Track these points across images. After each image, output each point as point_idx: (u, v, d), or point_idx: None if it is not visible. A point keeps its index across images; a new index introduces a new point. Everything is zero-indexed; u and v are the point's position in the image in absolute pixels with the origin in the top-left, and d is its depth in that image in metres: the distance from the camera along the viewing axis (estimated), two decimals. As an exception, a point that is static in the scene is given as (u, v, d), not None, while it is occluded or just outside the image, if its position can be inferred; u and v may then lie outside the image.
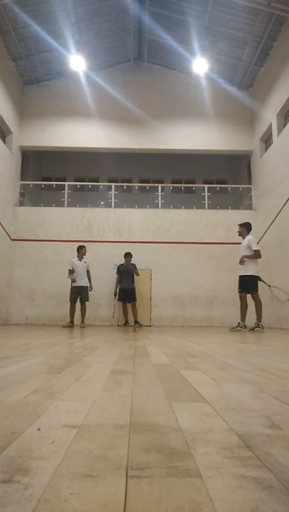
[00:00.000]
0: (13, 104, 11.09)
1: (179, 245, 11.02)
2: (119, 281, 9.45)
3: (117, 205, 11.60)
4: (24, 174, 12.23)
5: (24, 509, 0.51)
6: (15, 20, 9.57)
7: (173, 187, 13.55)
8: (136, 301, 9.40)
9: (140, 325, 9.30)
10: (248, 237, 6.93)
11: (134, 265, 9.53)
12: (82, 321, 8.23)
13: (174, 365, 2.04)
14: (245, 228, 7.06)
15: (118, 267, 9.59)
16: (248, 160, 12.34)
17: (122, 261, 9.80)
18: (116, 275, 9.62)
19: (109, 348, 3.13)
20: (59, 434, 0.82)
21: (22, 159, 12.02)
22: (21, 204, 11.60)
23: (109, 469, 0.64)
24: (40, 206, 11.56)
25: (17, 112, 11.46)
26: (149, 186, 12.41)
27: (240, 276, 6.90)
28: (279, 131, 9.96)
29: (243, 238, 7.01)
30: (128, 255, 9.55)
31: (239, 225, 7.21)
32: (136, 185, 13.43)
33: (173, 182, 14.05)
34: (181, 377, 1.63)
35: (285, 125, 9.71)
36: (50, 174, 13.84)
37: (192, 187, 13.15)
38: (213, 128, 11.76)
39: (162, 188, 12.00)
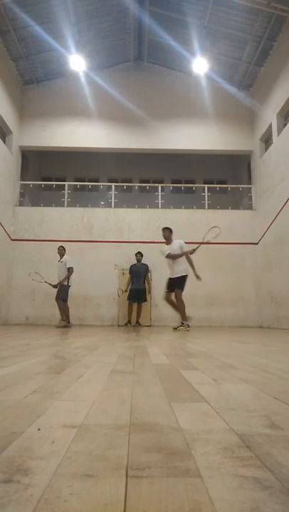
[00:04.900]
0: (13, 104, 11.09)
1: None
2: (131, 282, 9.41)
3: (117, 205, 11.60)
4: (24, 174, 12.23)
5: (24, 509, 0.51)
6: (15, 20, 9.57)
7: (173, 187, 13.55)
8: (146, 301, 9.39)
9: (140, 325, 9.30)
10: (179, 240, 7.00)
11: (146, 266, 9.47)
12: (61, 320, 8.00)
13: (174, 365, 2.04)
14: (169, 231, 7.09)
15: (130, 267, 9.55)
16: (248, 160, 12.34)
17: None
18: (128, 275, 9.59)
19: (109, 348, 3.13)
20: (59, 434, 0.82)
21: (22, 159, 12.02)
22: (21, 204, 11.59)
23: (109, 469, 0.64)
24: (40, 206, 11.57)
25: (17, 112, 11.46)
26: (149, 186, 12.41)
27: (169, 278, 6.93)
28: (279, 131, 9.96)
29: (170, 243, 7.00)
30: (139, 254, 9.51)
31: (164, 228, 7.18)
32: (136, 185, 13.43)
33: (173, 182, 14.04)
34: (181, 377, 1.63)
35: (285, 125, 9.71)
36: (50, 174, 13.84)
37: (192, 187, 13.15)
38: (213, 128, 11.76)
39: (162, 188, 12.00)
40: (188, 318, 6.84)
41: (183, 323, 6.72)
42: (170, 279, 6.90)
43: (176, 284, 6.76)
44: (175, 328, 6.80)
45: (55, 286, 8.09)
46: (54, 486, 0.57)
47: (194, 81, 11.93)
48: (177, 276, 6.75)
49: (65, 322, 7.97)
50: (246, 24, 9.72)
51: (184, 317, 6.74)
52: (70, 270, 8.03)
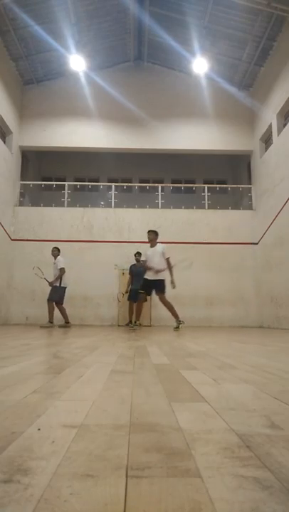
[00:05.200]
0: (13, 104, 11.09)
1: (179, 245, 11.01)
2: (131, 282, 9.42)
3: (117, 205, 11.59)
4: (24, 174, 12.23)
5: (24, 509, 0.51)
6: (15, 20, 9.57)
7: (173, 187, 13.55)
8: (146, 301, 9.38)
9: (140, 325, 9.29)
10: (162, 245, 7.15)
11: None
12: (48, 321, 7.95)
13: (174, 365, 2.04)
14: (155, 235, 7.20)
15: (130, 267, 9.55)
16: (248, 160, 12.34)
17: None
18: (129, 275, 9.59)
19: (109, 348, 3.13)
20: (59, 434, 0.82)
21: (22, 159, 12.02)
22: (21, 204, 11.59)
23: (109, 469, 0.64)
24: (40, 206, 11.56)
25: (17, 112, 11.46)
26: (149, 186, 12.41)
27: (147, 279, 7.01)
28: (279, 131, 9.96)
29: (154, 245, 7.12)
30: (138, 254, 9.50)
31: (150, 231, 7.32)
32: (136, 185, 13.43)
33: (173, 182, 14.05)
34: (181, 377, 1.63)
35: (285, 125, 9.71)
36: (50, 174, 13.84)
37: (192, 187, 13.15)
38: (213, 128, 11.76)
39: (162, 188, 12.00)
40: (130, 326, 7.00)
41: (180, 321, 6.88)
42: (146, 279, 7.01)
43: (154, 287, 6.89)
44: (176, 328, 6.89)
45: (50, 285, 8.13)
46: (54, 486, 0.57)
47: (194, 81, 11.93)
48: (153, 278, 6.86)
49: (52, 324, 7.96)
50: (246, 24, 9.72)
51: (176, 316, 6.90)
52: (61, 271, 8.06)
